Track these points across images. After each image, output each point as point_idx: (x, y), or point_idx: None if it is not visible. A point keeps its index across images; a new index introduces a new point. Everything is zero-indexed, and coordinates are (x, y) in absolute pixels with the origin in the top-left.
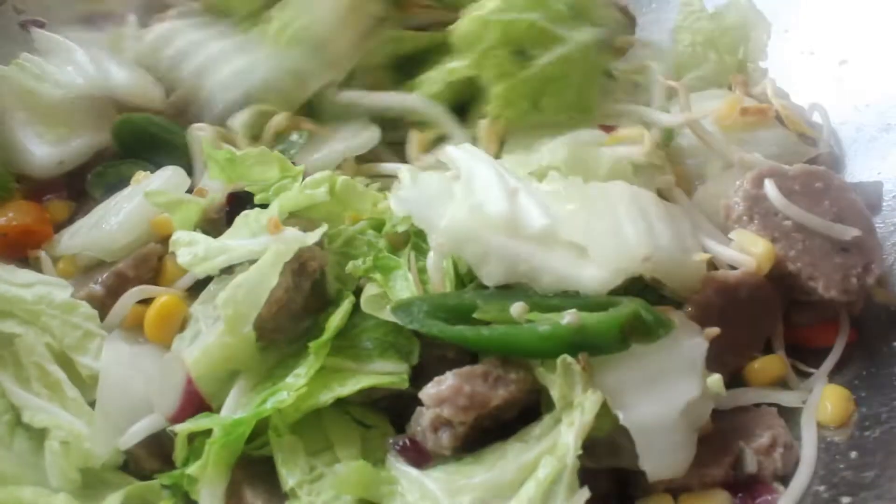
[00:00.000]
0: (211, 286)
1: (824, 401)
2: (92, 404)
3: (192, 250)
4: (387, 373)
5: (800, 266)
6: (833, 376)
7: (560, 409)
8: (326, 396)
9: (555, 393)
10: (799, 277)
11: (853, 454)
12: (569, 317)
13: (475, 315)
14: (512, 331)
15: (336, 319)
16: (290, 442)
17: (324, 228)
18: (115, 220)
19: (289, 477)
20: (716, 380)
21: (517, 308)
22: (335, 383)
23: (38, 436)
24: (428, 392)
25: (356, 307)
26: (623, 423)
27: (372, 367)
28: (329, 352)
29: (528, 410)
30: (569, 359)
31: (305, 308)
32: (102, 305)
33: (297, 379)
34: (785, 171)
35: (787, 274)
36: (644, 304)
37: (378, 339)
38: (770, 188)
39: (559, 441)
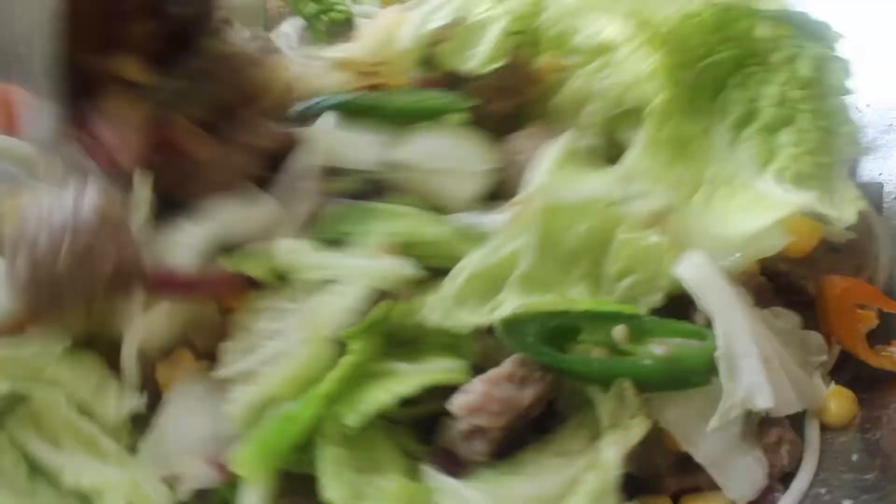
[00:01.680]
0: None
1: (828, 402)
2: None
3: (294, 258)
4: (444, 369)
5: (791, 266)
6: (833, 378)
7: (604, 428)
8: (386, 396)
9: (602, 412)
10: (789, 277)
11: (854, 457)
12: (659, 349)
13: (581, 338)
14: (620, 364)
15: (370, 315)
16: (338, 454)
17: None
18: None
19: (330, 488)
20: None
21: (619, 332)
22: (393, 384)
23: (59, 482)
24: (458, 403)
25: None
26: (699, 461)
27: (427, 367)
28: (382, 357)
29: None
30: (626, 383)
31: None
32: None
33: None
34: None
35: (779, 274)
36: None
37: (431, 340)
38: None
39: (601, 458)
